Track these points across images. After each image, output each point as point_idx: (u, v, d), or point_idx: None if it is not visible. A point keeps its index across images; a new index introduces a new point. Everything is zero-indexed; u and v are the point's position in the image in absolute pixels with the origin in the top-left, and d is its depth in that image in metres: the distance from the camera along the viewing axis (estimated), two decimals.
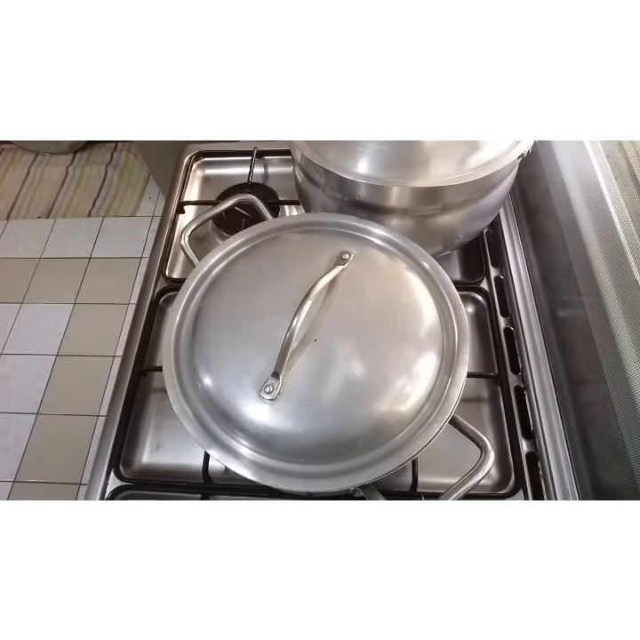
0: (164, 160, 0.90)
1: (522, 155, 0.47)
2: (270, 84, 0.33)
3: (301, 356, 0.38)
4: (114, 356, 1.49)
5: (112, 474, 0.51)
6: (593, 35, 0.31)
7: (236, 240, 0.49)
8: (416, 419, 0.38)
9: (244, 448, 0.38)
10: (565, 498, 0.47)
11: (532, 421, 0.51)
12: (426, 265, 0.45)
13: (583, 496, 0.47)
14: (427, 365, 0.39)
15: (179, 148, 0.78)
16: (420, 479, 0.47)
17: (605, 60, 0.31)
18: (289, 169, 0.71)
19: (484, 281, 0.60)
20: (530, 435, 0.51)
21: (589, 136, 0.43)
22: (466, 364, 0.40)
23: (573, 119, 0.32)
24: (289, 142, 0.52)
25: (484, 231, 0.62)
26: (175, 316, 0.45)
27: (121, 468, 0.51)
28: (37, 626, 0.24)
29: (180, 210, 0.70)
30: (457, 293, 0.44)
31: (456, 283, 0.45)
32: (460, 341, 0.41)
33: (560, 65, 0.32)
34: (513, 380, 0.54)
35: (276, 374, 0.37)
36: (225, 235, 0.65)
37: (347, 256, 0.42)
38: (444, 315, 0.42)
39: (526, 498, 0.47)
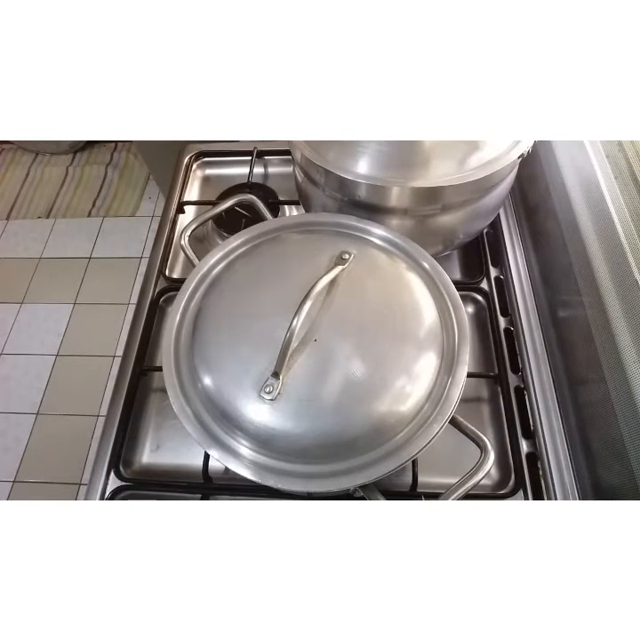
0: (164, 160, 0.90)
1: (522, 155, 0.47)
2: (270, 84, 0.33)
3: (301, 356, 0.38)
4: (114, 356, 1.49)
5: (112, 474, 0.51)
6: (593, 35, 0.31)
7: (235, 240, 0.49)
8: (416, 419, 0.38)
9: (244, 448, 0.38)
10: (565, 498, 0.47)
11: (531, 421, 0.51)
12: (426, 265, 0.45)
13: (583, 496, 0.47)
14: (427, 365, 0.39)
15: (179, 147, 0.78)
16: (420, 479, 0.47)
17: (605, 60, 0.31)
18: (289, 169, 0.71)
19: (484, 281, 0.60)
20: (530, 435, 0.51)
21: (589, 136, 0.43)
22: (466, 363, 0.40)
23: (573, 119, 0.32)
24: (289, 142, 0.52)
25: (484, 231, 0.62)
26: (175, 316, 0.45)
27: (121, 468, 0.51)
28: (38, 626, 0.24)
29: (180, 210, 0.70)
30: (457, 293, 0.44)
31: (456, 283, 0.45)
32: (459, 341, 0.41)
33: (560, 65, 0.32)
34: (513, 379, 0.54)
35: (275, 374, 0.37)
36: (225, 235, 0.65)
37: (347, 256, 0.42)
38: (444, 315, 0.42)
39: (526, 498, 0.47)
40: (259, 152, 0.74)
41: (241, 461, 0.37)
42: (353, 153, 0.47)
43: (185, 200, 0.71)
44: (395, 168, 0.46)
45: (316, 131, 0.35)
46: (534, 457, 0.49)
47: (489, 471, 0.38)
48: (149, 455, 0.54)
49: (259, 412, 0.37)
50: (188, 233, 0.53)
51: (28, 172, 1.98)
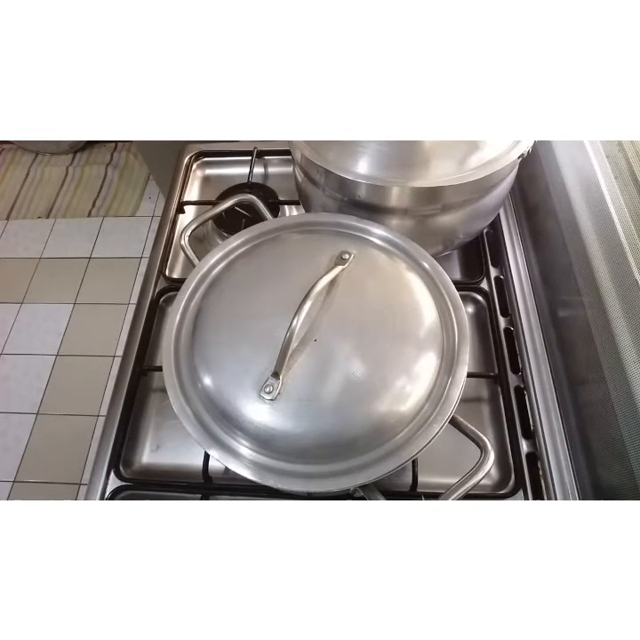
0: (164, 160, 0.90)
1: (522, 155, 0.47)
2: (270, 84, 0.33)
3: (301, 356, 0.38)
4: (114, 356, 1.49)
5: (112, 474, 0.51)
6: (593, 35, 0.31)
7: (235, 240, 0.49)
8: (416, 419, 0.38)
9: (244, 448, 0.38)
10: (565, 498, 0.47)
11: (531, 421, 0.51)
12: (426, 265, 0.45)
13: (583, 496, 0.47)
14: (427, 365, 0.39)
15: (179, 147, 0.78)
16: (420, 479, 0.47)
17: (605, 60, 0.31)
18: (289, 169, 0.71)
19: (484, 281, 0.60)
20: (530, 435, 0.51)
21: (589, 136, 0.43)
22: (466, 363, 0.40)
23: (573, 119, 0.32)
24: (289, 142, 0.52)
25: (484, 231, 0.62)
26: (175, 316, 0.45)
27: (121, 468, 0.51)
28: (38, 626, 0.24)
29: (180, 210, 0.70)
30: (457, 293, 0.44)
31: (456, 283, 0.45)
32: (460, 341, 0.41)
33: (560, 65, 0.32)
34: (513, 379, 0.54)
35: (275, 374, 0.37)
36: (225, 235, 0.65)
37: (347, 256, 0.42)
38: (444, 315, 0.42)
39: (526, 498, 0.47)
40: (259, 152, 0.74)
41: (241, 461, 0.37)
42: (353, 153, 0.47)
43: (185, 200, 0.71)
44: (395, 168, 0.46)
45: (316, 131, 0.35)
46: (534, 457, 0.49)
47: (489, 471, 0.38)
48: (149, 455, 0.54)
49: (259, 412, 0.37)
50: (188, 233, 0.53)
51: (27, 172, 1.98)
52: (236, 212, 0.64)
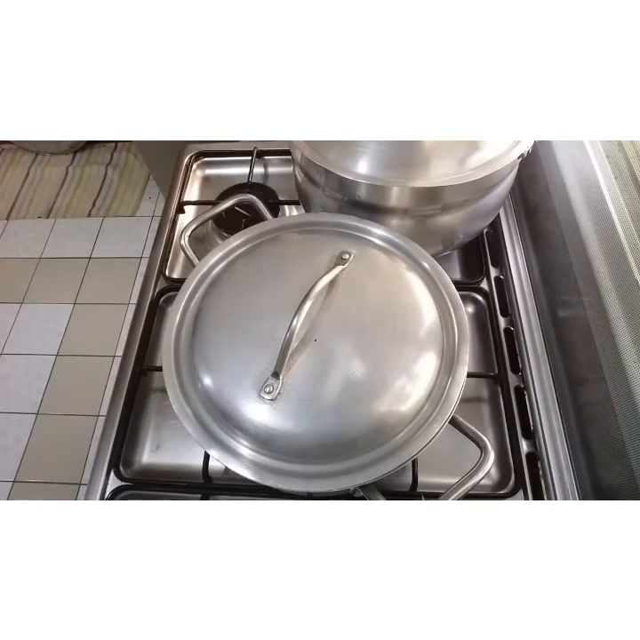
0: (164, 160, 0.90)
1: (522, 155, 0.47)
2: (270, 84, 0.33)
3: (301, 356, 0.38)
4: (114, 356, 1.49)
5: (112, 474, 0.51)
6: (592, 35, 0.31)
7: (235, 240, 0.49)
8: (416, 419, 0.38)
9: (244, 448, 0.38)
10: (565, 498, 0.47)
11: (531, 421, 0.51)
12: (426, 265, 0.45)
13: (583, 496, 0.47)
14: (427, 365, 0.39)
15: (179, 147, 0.78)
16: (420, 479, 0.47)
17: (605, 60, 0.31)
18: (289, 169, 0.71)
19: (484, 281, 0.60)
20: (530, 435, 0.51)
21: (589, 136, 0.43)
22: (466, 363, 0.40)
23: (573, 119, 0.32)
24: (289, 142, 0.52)
25: (484, 231, 0.62)
26: (175, 316, 0.45)
27: (121, 468, 0.51)
28: (38, 626, 0.24)
29: (180, 210, 0.70)
30: (457, 293, 0.44)
31: (456, 283, 0.45)
32: (460, 341, 0.41)
33: (560, 65, 0.32)
34: (513, 379, 0.54)
35: (275, 374, 0.37)
36: (225, 235, 0.65)
37: (347, 256, 0.42)
38: (444, 315, 0.42)
39: (526, 498, 0.47)
40: (259, 152, 0.74)
41: (241, 461, 0.37)
42: (353, 153, 0.47)
43: (185, 200, 0.71)
44: (395, 168, 0.46)
45: (316, 131, 0.35)
46: (534, 457, 0.49)
47: (489, 471, 0.38)
48: (149, 455, 0.54)
49: (259, 412, 0.37)
50: (188, 233, 0.53)
51: (27, 171, 1.98)
52: (236, 212, 0.64)
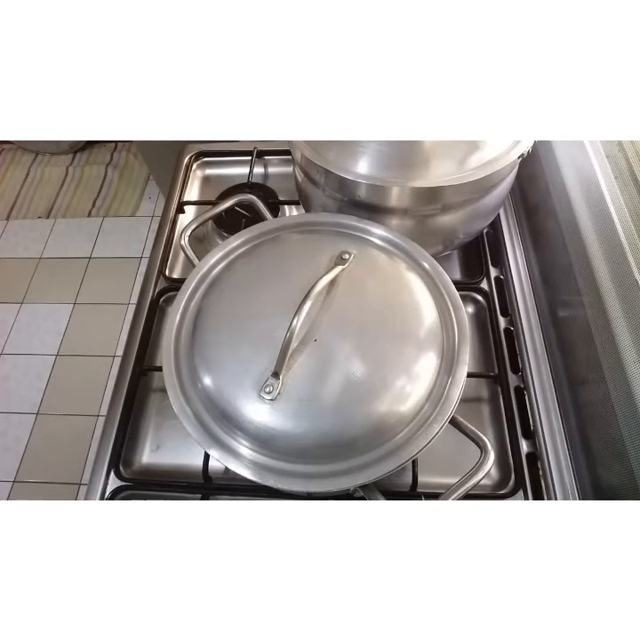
0: (164, 160, 0.90)
1: (522, 155, 0.47)
2: (270, 84, 0.33)
3: (301, 356, 0.38)
4: (114, 356, 1.49)
5: (112, 474, 0.51)
6: (592, 34, 0.31)
7: (235, 240, 0.49)
8: (416, 419, 0.38)
9: (244, 448, 0.38)
10: (565, 498, 0.47)
11: (531, 421, 0.51)
12: (426, 265, 0.45)
13: (583, 496, 0.47)
14: (427, 365, 0.39)
15: (179, 147, 0.78)
16: (420, 479, 0.47)
17: (605, 60, 0.31)
18: (289, 169, 0.71)
19: (484, 281, 0.60)
20: (530, 435, 0.51)
21: (589, 136, 0.43)
22: (466, 363, 0.40)
23: (573, 119, 0.32)
24: (289, 142, 0.52)
25: (484, 231, 0.62)
26: (175, 316, 0.45)
27: (121, 468, 0.51)
28: (38, 626, 0.24)
29: (180, 210, 0.70)
30: (457, 293, 0.44)
31: (456, 283, 0.45)
32: (460, 341, 0.41)
33: (560, 65, 0.32)
34: (513, 379, 0.54)
35: (275, 374, 0.37)
36: (225, 235, 0.65)
37: (347, 256, 0.42)
38: (444, 315, 0.42)
39: (526, 498, 0.47)
40: (259, 152, 0.74)
41: (241, 461, 0.37)
42: (353, 153, 0.47)
43: (185, 200, 0.71)
44: (395, 168, 0.46)
45: (316, 131, 0.35)
46: (534, 457, 0.49)
47: (489, 471, 0.38)
48: (149, 455, 0.54)
49: (259, 412, 0.37)
50: (188, 233, 0.53)
51: (27, 171, 1.98)
52: (236, 212, 0.64)
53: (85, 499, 0.50)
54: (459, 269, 0.64)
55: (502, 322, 0.58)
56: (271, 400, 0.36)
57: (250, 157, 0.73)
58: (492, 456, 0.38)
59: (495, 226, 0.65)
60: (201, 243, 0.69)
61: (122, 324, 1.55)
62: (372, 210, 0.49)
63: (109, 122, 0.34)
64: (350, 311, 0.40)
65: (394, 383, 0.38)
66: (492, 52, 0.32)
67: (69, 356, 1.51)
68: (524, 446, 0.50)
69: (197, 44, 0.32)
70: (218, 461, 0.37)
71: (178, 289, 0.47)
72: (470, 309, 0.60)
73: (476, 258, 0.62)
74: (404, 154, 0.46)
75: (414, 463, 0.47)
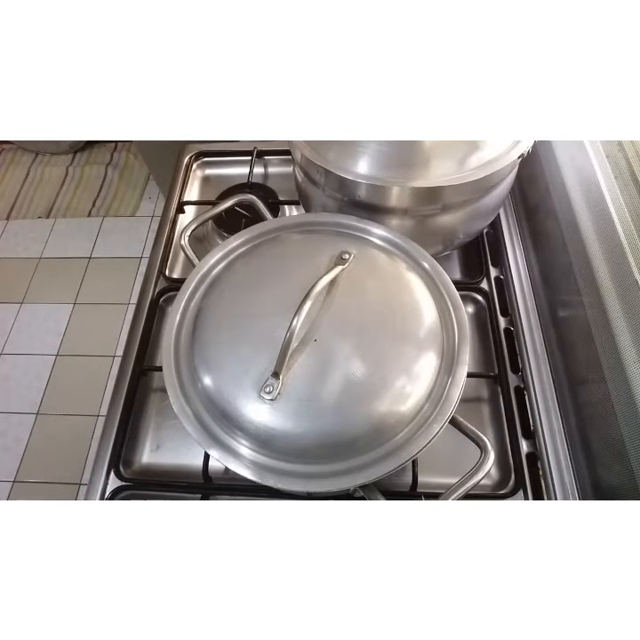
0: (164, 160, 0.90)
1: (522, 155, 0.47)
2: (270, 84, 0.33)
3: (301, 356, 0.38)
4: (114, 356, 1.49)
5: (112, 474, 0.51)
6: (592, 34, 0.31)
7: (235, 240, 0.49)
8: (416, 419, 0.38)
9: (244, 448, 0.38)
10: (565, 498, 0.47)
11: (531, 421, 0.51)
12: (426, 265, 0.45)
13: (583, 496, 0.47)
14: (427, 365, 0.39)
15: (179, 147, 0.78)
16: (420, 479, 0.47)
17: (605, 60, 0.31)
18: (289, 169, 0.71)
19: (484, 281, 0.60)
20: (530, 435, 0.51)
21: (589, 136, 0.43)
22: (466, 363, 0.40)
23: (573, 119, 0.32)
24: (289, 142, 0.52)
25: (484, 231, 0.62)
26: (175, 316, 0.45)
27: (121, 468, 0.51)
28: (38, 626, 0.24)
29: (180, 210, 0.70)
30: (457, 293, 0.44)
31: (456, 283, 0.45)
32: (460, 341, 0.41)
33: (560, 65, 0.32)
34: (513, 379, 0.54)
35: (275, 374, 0.37)
36: (225, 235, 0.65)
37: (347, 256, 0.42)
38: (444, 315, 0.42)
39: (526, 498, 0.47)
40: (259, 152, 0.74)
41: (241, 461, 0.37)
42: (353, 153, 0.47)
43: (185, 200, 0.71)
44: (395, 168, 0.46)
45: (316, 131, 0.35)
46: (534, 457, 0.49)
47: (489, 471, 0.38)
48: (149, 455, 0.54)
49: (259, 412, 0.37)
50: (188, 233, 0.53)
51: (27, 171, 1.98)
52: (236, 212, 0.64)
53: (85, 499, 0.50)
54: (459, 269, 0.64)
55: (502, 322, 0.58)
56: (271, 400, 0.36)
57: (250, 157, 0.73)
58: (491, 456, 0.38)
59: (495, 226, 0.65)
60: (201, 243, 0.69)
61: (122, 323, 1.55)
62: (372, 210, 0.49)
63: (109, 122, 0.34)
64: (350, 311, 0.40)
65: (394, 383, 0.38)
66: (492, 52, 0.32)
67: (69, 356, 1.51)
68: (524, 446, 0.50)
69: (197, 44, 0.32)
70: (218, 461, 0.37)
71: (178, 289, 0.47)
72: (470, 309, 0.60)
73: (476, 258, 0.62)
74: (404, 154, 0.46)
75: (414, 463, 0.47)
